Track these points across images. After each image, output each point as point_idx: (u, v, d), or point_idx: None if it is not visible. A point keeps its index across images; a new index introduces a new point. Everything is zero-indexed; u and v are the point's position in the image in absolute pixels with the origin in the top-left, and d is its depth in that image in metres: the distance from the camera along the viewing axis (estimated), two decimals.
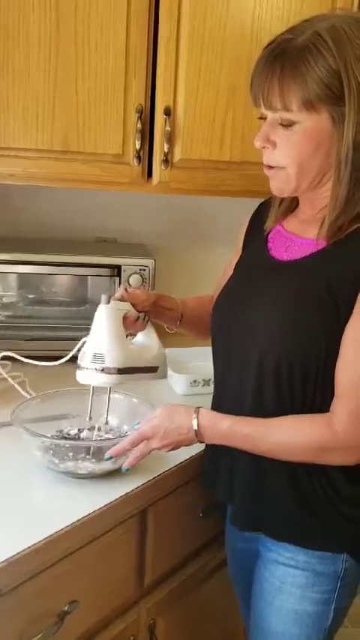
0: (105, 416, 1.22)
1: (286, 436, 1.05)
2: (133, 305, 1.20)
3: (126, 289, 1.21)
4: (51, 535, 1.02)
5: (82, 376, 1.16)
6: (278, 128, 1.02)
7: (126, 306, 1.19)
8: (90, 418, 1.22)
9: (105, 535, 1.14)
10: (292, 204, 1.18)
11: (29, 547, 0.99)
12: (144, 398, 1.30)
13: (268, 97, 1.00)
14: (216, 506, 1.32)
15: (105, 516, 1.12)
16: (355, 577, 1.15)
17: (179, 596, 1.39)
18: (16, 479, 1.17)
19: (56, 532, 1.03)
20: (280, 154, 1.03)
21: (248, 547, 1.24)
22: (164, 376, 1.25)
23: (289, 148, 1.02)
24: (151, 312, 1.26)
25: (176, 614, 1.40)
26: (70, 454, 1.18)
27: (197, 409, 1.10)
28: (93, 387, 1.19)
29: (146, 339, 1.24)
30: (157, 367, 1.23)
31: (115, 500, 1.13)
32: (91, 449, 1.18)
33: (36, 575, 1.02)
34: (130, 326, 1.20)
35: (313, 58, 0.95)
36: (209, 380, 1.27)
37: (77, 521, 1.06)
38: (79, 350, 1.18)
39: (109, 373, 1.13)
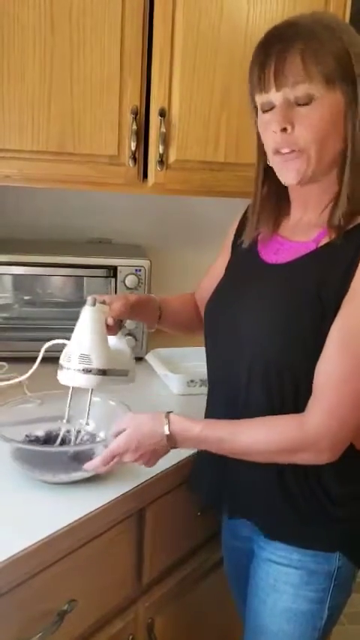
0: (85, 418, 1.20)
1: (257, 438, 1.04)
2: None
3: (104, 301, 1.20)
4: (50, 535, 1.02)
5: (65, 377, 1.14)
6: (294, 110, 1.00)
7: (108, 310, 1.19)
8: (67, 421, 1.21)
9: (103, 535, 1.15)
10: (273, 212, 1.16)
11: (28, 547, 0.99)
12: (135, 399, 1.29)
13: (285, 73, 0.98)
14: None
15: (103, 516, 1.12)
16: (349, 575, 1.15)
17: (177, 595, 1.40)
18: (12, 481, 1.17)
19: (55, 532, 1.03)
20: (300, 135, 1.01)
21: (243, 546, 1.25)
22: (133, 380, 1.24)
23: (309, 125, 1.00)
24: (129, 314, 1.26)
25: (175, 613, 1.41)
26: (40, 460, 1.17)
27: (167, 415, 1.08)
28: (72, 389, 1.18)
29: (118, 343, 1.23)
30: (129, 370, 1.23)
31: (113, 500, 1.14)
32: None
33: (35, 575, 1.02)
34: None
35: (328, 36, 0.98)
36: (206, 380, 1.29)
37: (75, 521, 1.07)
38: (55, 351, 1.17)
39: (95, 374, 1.13)
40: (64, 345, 1.16)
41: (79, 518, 1.08)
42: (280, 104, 1.01)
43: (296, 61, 0.98)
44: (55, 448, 1.20)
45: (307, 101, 0.99)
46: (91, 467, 1.12)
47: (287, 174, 1.06)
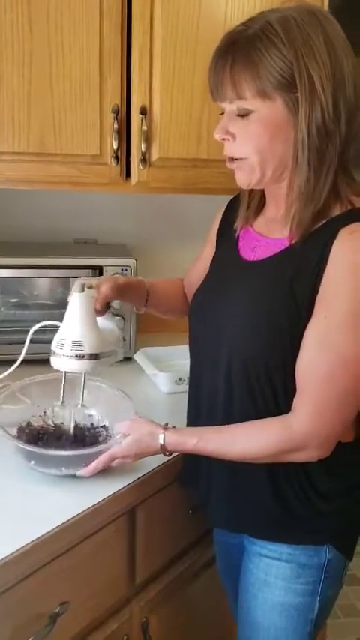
0: (80, 400, 1.23)
1: (248, 445, 1.06)
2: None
3: (91, 285, 1.20)
4: (40, 536, 1.02)
5: (59, 363, 1.16)
6: (236, 119, 1.02)
7: (95, 294, 1.20)
8: (62, 403, 1.24)
9: (95, 535, 1.14)
10: (260, 203, 1.17)
11: (18, 549, 0.98)
12: (127, 395, 1.29)
13: (223, 88, 1.00)
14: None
15: (94, 516, 1.12)
16: (340, 567, 1.16)
17: (171, 593, 1.40)
18: (1, 481, 1.16)
19: (45, 533, 1.03)
20: (240, 145, 1.03)
21: (234, 541, 1.25)
22: (120, 358, 1.27)
23: (248, 137, 1.02)
24: (117, 296, 1.26)
25: (169, 612, 1.40)
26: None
27: (164, 430, 1.12)
28: (65, 374, 1.20)
29: (106, 323, 1.24)
30: (117, 351, 1.24)
31: (104, 499, 1.14)
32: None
33: (25, 577, 1.01)
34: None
35: (264, 46, 0.96)
36: None
37: (66, 521, 1.06)
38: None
39: (88, 359, 1.15)
40: (49, 341, 1.19)
41: (70, 519, 1.07)
42: (226, 113, 1.04)
43: (228, 79, 0.99)
44: (66, 452, 1.20)
45: (245, 114, 1.00)
46: (88, 473, 1.15)
47: (237, 178, 1.09)
